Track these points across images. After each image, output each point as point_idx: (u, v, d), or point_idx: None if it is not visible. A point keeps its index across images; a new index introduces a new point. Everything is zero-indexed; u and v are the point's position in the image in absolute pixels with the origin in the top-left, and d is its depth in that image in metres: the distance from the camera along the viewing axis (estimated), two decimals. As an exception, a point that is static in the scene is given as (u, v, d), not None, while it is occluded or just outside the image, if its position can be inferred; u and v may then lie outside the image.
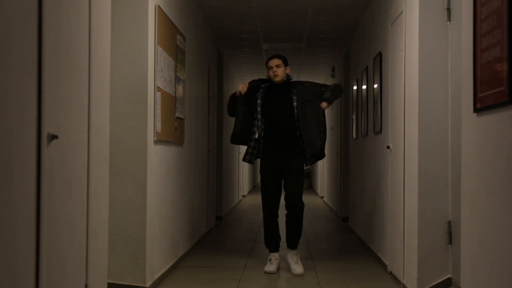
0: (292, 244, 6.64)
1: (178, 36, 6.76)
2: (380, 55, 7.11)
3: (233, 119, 6.91)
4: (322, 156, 6.57)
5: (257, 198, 17.80)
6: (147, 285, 5.47)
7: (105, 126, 4.60)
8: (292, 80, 6.69)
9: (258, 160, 6.77)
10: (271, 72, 6.58)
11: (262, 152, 6.56)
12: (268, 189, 6.57)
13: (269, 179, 6.55)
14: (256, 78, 6.87)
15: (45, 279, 3.47)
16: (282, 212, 6.73)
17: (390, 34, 6.45)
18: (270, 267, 6.56)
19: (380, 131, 7.01)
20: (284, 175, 6.53)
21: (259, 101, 6.56)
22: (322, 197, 17.37)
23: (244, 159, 6.60)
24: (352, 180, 10.12)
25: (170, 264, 6.46)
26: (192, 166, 7.93)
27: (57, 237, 3.67)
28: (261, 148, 6.55)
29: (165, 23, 6.09)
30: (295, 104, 6.47)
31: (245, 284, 5.88)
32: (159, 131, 5.85)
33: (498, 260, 3.24)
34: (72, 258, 3.97)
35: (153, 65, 5.65)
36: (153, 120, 5.62)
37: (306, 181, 26.10)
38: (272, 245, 6.75)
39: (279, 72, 6.55)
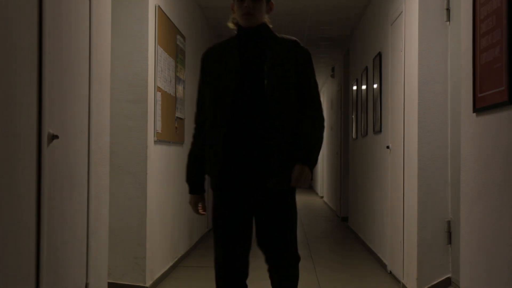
0: None
1: (178, 36, 6.76)
2: (379, 55, 7.11)
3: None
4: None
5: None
6: (147, 284, 5.48)
7: (105, 126, 4.61)
8: (269, 33, 3.42)
9: None
10: (240, 10, 3.36)
11: (211, 162, 3.36)
12: (227, 229, 3.36)
13: (229, 211, 3.35)
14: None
15: (46, 278, 3.48)
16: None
17: (390, 34, 6.46)
18: None
19: (380, 131, 7.02)
20: (255, 206, 3.36)
21: (209, 71, 3.40)
22: (322, 197, 17.39)
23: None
24: (352, 180, 10.12)
25: (170, 264, 6.47)
26: (192, 166, 7.92)
27: (57, 236, 3.68)
28: (210, 155, 3.36)
29: (165, 23, 6.10)
30: (265, 72, 3.29)
31: (245, 283, 5.88)
32: (159, 131, 5.86)
33: (497, 260, 3.25)
34: (73, 257, 3.97)
35: (153, 65, 5.66)
36: (153, 120, 5.63)
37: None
38: None
39: (256, 9, 3.35)
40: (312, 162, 3.27)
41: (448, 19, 5.15)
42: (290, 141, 3.26)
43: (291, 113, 3.28)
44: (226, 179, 3.30)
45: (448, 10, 5.14)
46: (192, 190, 3.50)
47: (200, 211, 3.54)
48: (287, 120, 3.26)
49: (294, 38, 3.39)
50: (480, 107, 3.48)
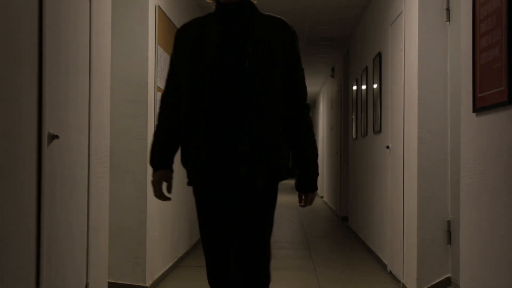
0: None
1: (178, 36, 6.76)
2: (379, 55, 7.12)
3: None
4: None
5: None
6: (147, 284, 5.48)
7: (105, 126, 4.61)
8: (254, 9, 3.02)
9: None
10: None
11: (191, 154, 2.94)
12: (212, 229, 2.99)
13: (214, 210, 2.98)
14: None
15: (46, 278, 3.48)
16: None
17: (390, 34, 6.46)
18: None
19: (380, 131, 7.02)
20: (232, 204, 2.98)
21: (185, 48, 2.99)
22: (322, 197, 17.39)
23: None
24: (352, 180, 10.13)
25: (170, 263, 6.47)
26: (192, 166, 7.93)
27: (57, 236, 3.68)
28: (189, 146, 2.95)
29: (165, 23, 6.10)
30: (249, 49, 2.90)
31: (245, 283, 5.88)
32: (159, 131, 5.86)
33: (496, 259, 3.25)
34: (73, 257, 3.98)
35: (153, 65, 5.66)
36: (153, 120, 5.63)
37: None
38: None
39: None
40: (315, 186, 3.09)
41: (448, 19, 5.15)
42: (278, 123, 2.90)
43: (278, 94, 2.91)
44: (212, 172, 2.86)
45: (448, 10, 5.15)
46: (157, 165, 2.96)
47: (165, 193, 2.95)
48: (274, 99, 2.89)
49: (281, 17, 3.00)
50: (480, 107, 3.48)
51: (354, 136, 9.72)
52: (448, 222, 5.14)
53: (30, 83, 3.31)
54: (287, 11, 8.69)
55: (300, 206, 3.13)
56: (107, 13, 4.61)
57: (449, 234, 5.13)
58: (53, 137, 3.55)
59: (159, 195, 2.94)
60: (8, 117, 3.05)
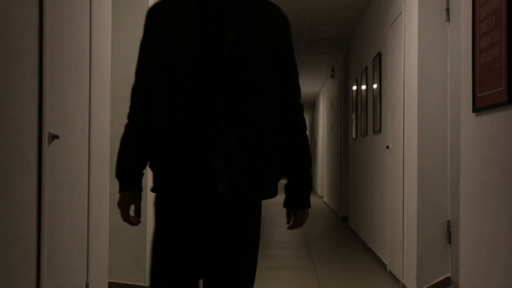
0: None
1: (178, 36, 6.77)
2: (379, 55, 7.12)
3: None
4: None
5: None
6: (148, 284, 5.48)
7: (105, 126, 4.62)
8: None
9: None
10: None
11: (159, 172, 2.44)
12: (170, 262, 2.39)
13: (178, 236, 2.38)
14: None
15: (46, 278, 3.49)
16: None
17: (390, 35, 6.47)
18: None
19: (380, 131, 7.02)
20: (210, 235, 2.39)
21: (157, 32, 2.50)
22: (322, 197, 17.39)
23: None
24: (352, 180, 10.13)
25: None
26: (192, 166, 7.93)
27: (58, 236, 3.69)
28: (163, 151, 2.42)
29: (165, 23, 6.10)
30: (229, 42, 2.38)
31: (245, 283, 5.88)
32: (159, 131, 5.86)
33: (496, 259, 3.26)
34: (73, 257, 3.98)
35: (153, 65, 5.66)
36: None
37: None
38: None
39: None
40: (308, 198, 2.50)
41: (448, 19, 5.16)
42: (266, 127, 2.37)
43: (267, 92, 2.39)
44: (185, 185, 2.30)
45: (447, 10, 5.15)
46: (125, 185, 2.48)
47: (132, 219, 2.46)
48: (262, 98, 2.36)
49: (271, 1, 2.53)
50: (479, 107, 3.48)
51: (354, 136, 9.72)
52: (448, 222, 5.14)
53: (31, 83, 3.32)
54: (287, 11, 8.68)
55: (288, 228, 2.50)
56: (107, 13, 4.62)
57: (449, 234, 5.13)
58: (53, 137, 3.55)
59: (127, 219, 2.44)
60: (8, 117, 3.06)
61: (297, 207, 2.47)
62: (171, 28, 2.39)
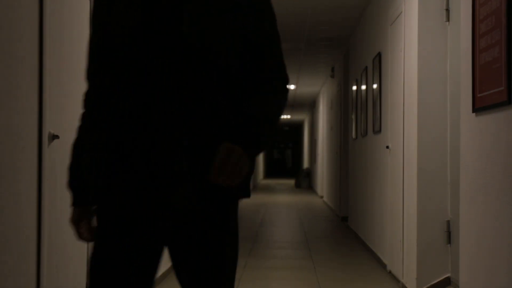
0: None
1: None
2: (379, 55, 7.12)
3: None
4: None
5: (257, 198, 17.82)
6: (148, 284, 5.48)
7: (105, 126, 4.62)
8: None
9: None
10: None
11: (98, 166, 1.95)
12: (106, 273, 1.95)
13: (119, 243, 1.95)
14: None
15: (46, 278, 3.49)
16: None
17: (390, 35, 6.47)
18: None
19: (380, 131, 7.03)
20: (169, 233, 2.03)
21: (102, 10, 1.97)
22: (322, 197, 17.39)
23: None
24: (352, 180, 10.14)
25: (170, 263, 6.47)
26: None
27: (58, 237, 3.69)
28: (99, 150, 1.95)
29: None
30: (186, 13, 1.87)
31: (246, 283, 5.89)
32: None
33: (496, 259, 3.26)
34: (73, 257, 3.98)
35: (153, 65, 5.67)
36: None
37: (306, 181, 25.66)
38: None
39: None
40: (253, 142, 1.85)
41: (448, 19, 5.16)
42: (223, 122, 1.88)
43: (238, 74, 1.92)
44: (127, 188, 1.87)
45: (447, 10, 5.15)
46: (77, 199, 2.02)
47: (85, 233, 2.02)
48: (229, 82, 1.90)
49: None
50: (479, 107, 3.49)
51: (354, 136, 9.73)
52: (448, 222, 5.14)
53: (31, 83, 3.32)
54: (287, 11, 8.69)
55: (211, 179, 1.79)
56: (107, 13, 4.62)
57: (449, 234, 5.14)
58: (53, 137, 3.56)
59: (79, 236, 2.05)
60: (8, 117, 3.06)
61: (240, 142, 1.81)
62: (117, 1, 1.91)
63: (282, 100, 1.98)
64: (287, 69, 2.02)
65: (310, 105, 22.32)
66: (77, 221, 2.04)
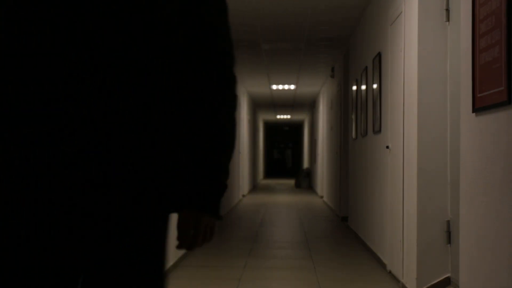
0: None
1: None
2: (379, 55, 7.13)
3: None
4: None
5: (257, 198, 17.84)
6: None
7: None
8: None
9: None
10: None
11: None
12: None
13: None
14: None
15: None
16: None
17: (390, 35, 6.48)
18: None
19: (380, 131, 7.03)
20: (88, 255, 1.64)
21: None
22: (322, 197, 17.40)
23: None
24: (352, 180, 10.14)
25: (170, 263, 6.48)
26: (192, 166, 7.93)
27: None
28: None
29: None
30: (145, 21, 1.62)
31: (246, 283, 5.90)
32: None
33: (496, 259, 3.26)
34: None
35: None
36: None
37: (306, 181, 25.69)
38: None
39: None
40: (215, 201, 1.71)
41: (448, 19, 5.16)
42: (161, 113, 1.65)
43: (162, 82, 1.65)
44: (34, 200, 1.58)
45: (447, 10, 5.16)
46: None
47: None
48: (161, 75, 1.65)
49: None
50: (479, 107, 3.49)
51: (354, 136, 9.73)
52: (448, 222, 5.15)
53: (31, 83, 3.32)
54: (287, 11, 8.70)
55: (176, 247, 1.71)
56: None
57: (449, 234, 5.14)
58: None
59: None
60: (9, 117, 3.06)
61: (200, 209, 1.66)
62: None
63: (232, 112, 1.73)
64: (235, 63, 1.75)
65: (310, 105, 22.33)
66: None
